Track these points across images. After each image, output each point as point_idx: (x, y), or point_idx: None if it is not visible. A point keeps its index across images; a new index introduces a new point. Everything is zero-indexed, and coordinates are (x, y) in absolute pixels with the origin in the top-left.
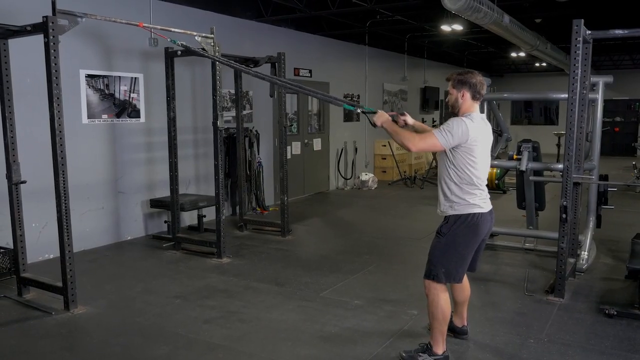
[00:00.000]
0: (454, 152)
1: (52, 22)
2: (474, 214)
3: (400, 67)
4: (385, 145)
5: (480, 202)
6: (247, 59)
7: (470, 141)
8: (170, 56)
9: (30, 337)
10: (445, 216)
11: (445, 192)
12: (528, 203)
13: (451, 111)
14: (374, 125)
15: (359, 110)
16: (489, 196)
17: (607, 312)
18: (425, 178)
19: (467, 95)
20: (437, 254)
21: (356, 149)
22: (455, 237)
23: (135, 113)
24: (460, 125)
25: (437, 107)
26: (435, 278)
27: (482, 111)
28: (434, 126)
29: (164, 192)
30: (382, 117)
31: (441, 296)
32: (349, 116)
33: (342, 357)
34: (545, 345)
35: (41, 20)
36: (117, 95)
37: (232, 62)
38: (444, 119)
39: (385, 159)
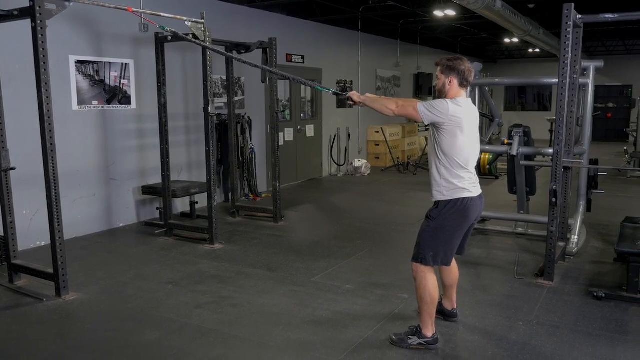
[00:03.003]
0: (439, 135)
1: (39, 7)
2: (463, 198)
3: (393, 53)
4: (378, 132)
5: (470, 186)
6: (238, 45)
7: (451, 121)
8: (160, 42)
9: (22, 323)
10: (435, 201)
11: (435, 177)
12: (519, 188)
13: (438, 96)
14: (349, 102)
15: (330, 93)
16: (478, 180)
17: (595, 294)
18: (418, 164)
19: (455, 81)
20: (425, 237)
21: (349, 135)
22: (444, 221)
23: (126, 99)
24: (442, 103)
25: (430, 94)
26: (423, 261)
27: (472, 96)
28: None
29: (156, 179)
30: (356, 94)
31: (429, 279)
32: (342, 103)
33: (333, 341)
34: (534, 327)
35: (28, 5)
36: (107, 81)
37: (215, 47)
38: None
39: (378, 145)
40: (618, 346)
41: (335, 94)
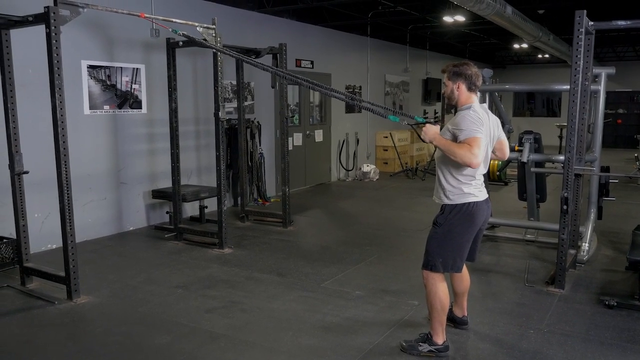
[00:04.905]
0: (455, 139)
1: (54, 13)
2: (470, 203)
3: (402, 58)
4: (387, 137)
5: (476, 190)
6: (248, 50)
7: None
8: (171, 47)
9: (33, 326)
10: (441, 206)
11: (442, 181)
12: (529, 194)
13: (448, 103)
14: (423, 140)
15: (405, 122)
16: (484, 185)
17: (607, 303)
18: (427, 169)
19: (463, 86)
20: (434, 244)
21: (358, 140)
22: (452, 227)
23: (137, 104)
24: (472, 117)
25: (439, 99)
26: (433, 268)
27: (483, 102)
28: (435, 118)
29: (166, 183)
30: (431, 130)
31: (439, 286)
32: (350, 108)
33: (343, 347)
34: (545, 335)
35: (43, 11)
36: (118, 86)
37: (234, 52)
38: (445, 111)
39: (387, 150)
40: (630, 356)
41: (411, 125)
